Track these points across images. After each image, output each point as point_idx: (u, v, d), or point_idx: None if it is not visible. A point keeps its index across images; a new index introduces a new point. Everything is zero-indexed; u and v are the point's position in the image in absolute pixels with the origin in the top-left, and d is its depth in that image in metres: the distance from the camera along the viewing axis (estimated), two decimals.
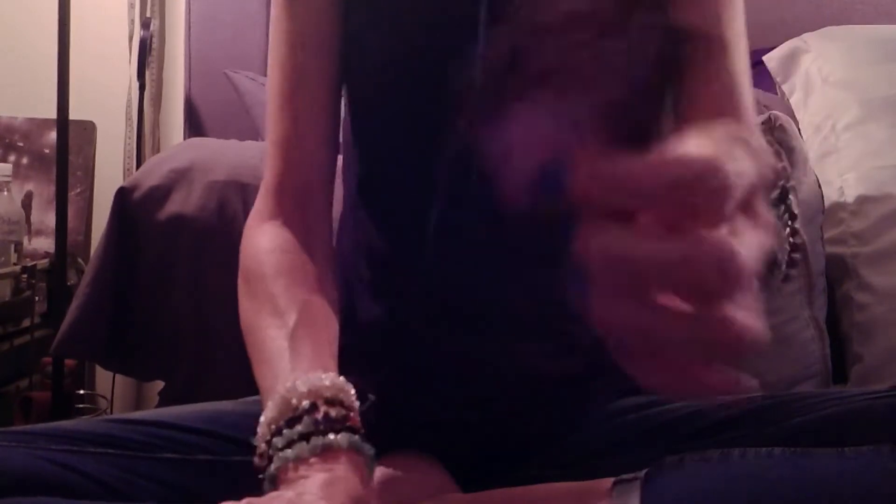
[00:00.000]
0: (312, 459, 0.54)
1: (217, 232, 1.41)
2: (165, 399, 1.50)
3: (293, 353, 0.60)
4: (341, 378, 0.59)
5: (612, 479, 0.60)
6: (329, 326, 0.66)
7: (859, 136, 1.49)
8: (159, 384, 1.58)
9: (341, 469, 0.54)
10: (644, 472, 0.59)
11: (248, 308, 0.68)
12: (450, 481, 0.73)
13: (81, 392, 2.10)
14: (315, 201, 0.76)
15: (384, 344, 0.79)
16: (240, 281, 0.72)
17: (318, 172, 0.76)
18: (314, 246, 0.72)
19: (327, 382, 0.57)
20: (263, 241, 0.72)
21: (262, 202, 0.76)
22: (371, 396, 0.74)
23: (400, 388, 0.78)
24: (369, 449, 0.57)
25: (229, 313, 1.43)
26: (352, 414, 0.57)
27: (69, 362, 1.89)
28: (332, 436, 0.55)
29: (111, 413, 2.09)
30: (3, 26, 2.32)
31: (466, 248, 0.72)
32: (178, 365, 1.44)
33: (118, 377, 2.08)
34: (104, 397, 2.12)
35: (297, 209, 0.74)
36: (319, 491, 0.51)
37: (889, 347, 1.31)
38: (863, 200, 1.42)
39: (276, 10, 0.77)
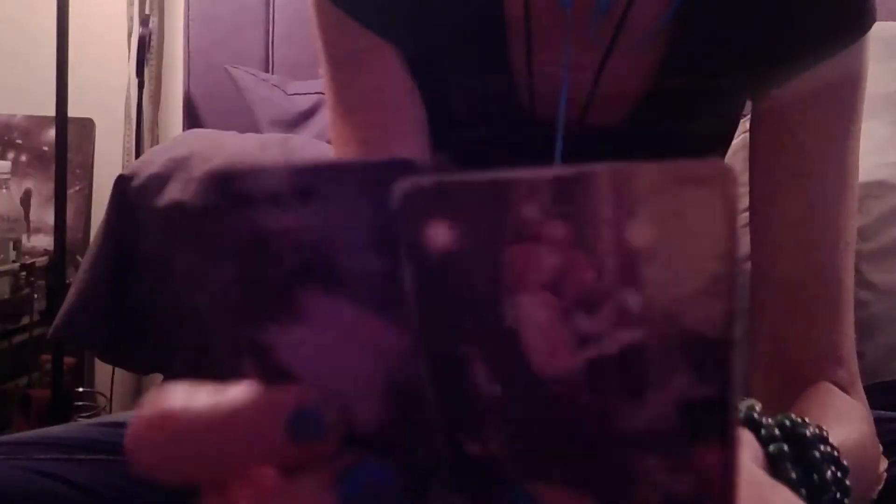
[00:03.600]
0: None
1: None
2: None
3: None
4: None
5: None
6: None
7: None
8: (158, 380, 1.58)
9: None
10: None
11: None
12: None
13: (81, 390, 2.10)
14: None
15: None
16: None
17: None
18: None
19: None
20: None
21: None
22: None
23: None
24: None
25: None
26: None
27: (68, 360, 1.89)
28: None
29: (111, 410, 2.09)
30: (2, 24, 2.31)
31: None
32: (176, 354, 1.44)
33: (117, 374, 2.08)
34: (103, 395, 2.12)
35: None
36: None
37: (890, 344, 1.31)
38: (863, 197, 1.41)
39: (331, 83, 0.67)
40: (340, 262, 0.26)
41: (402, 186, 0.24)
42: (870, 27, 0.64)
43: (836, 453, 0.45)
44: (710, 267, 0.23)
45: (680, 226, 0.23)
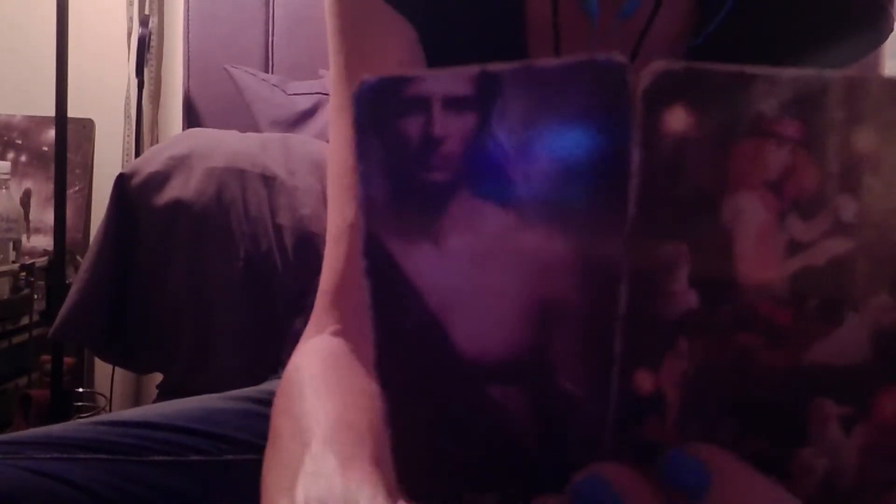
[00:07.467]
0: None
1: (215, 217, 1.43)
2: (164, 394, 1.51)
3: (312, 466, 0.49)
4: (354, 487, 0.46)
5: None
6: (363, 430, 0.51)
7: None
8: (158, 380, 1.58)
9: None
10: None
11: (273, 425, 0.58)
12: None
13: (81, 390, 2.10)
14: None
15: None
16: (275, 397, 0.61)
17: None
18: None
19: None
20: (305, 353, 0.61)
21: (316, 311, 0.64)
22: None
23: None
24: None
25: (227, 298, 1.46)
26: None
27: (68, 360, 1.89)
28: None
29: (110, 410, 2.09)
30: (2, 24, 2.31)
31: None
32: (176, 352, 1.45)
33: (117, 374, 2.08)
34: (103, 395, 2.12)
35: (355, 315, 0.61)
36: None
37: None
38: None
39: (337, 79, 0.65)
40: (508, 167, 0.25)
41: (653, 68, 0.24)
42: (887, 36, 0.63)
43: None
44: None
45: None
